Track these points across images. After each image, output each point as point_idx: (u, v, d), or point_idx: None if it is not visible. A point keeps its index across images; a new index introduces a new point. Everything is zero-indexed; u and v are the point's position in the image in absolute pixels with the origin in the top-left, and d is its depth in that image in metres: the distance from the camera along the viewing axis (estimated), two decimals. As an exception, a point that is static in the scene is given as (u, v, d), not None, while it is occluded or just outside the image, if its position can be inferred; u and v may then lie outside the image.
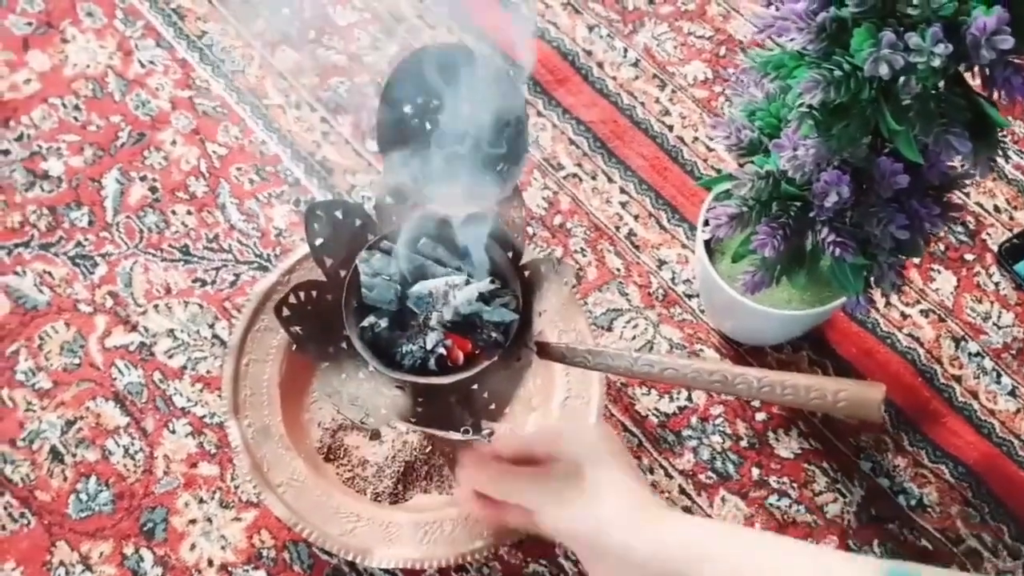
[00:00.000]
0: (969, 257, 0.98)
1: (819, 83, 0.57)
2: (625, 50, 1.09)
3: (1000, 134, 0.59)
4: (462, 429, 0.66)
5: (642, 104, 1.06)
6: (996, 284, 0.97)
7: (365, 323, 0.67)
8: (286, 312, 0.66)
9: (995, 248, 0.98)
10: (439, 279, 0.68)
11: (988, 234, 1.00)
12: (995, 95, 0.57)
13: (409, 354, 0.67)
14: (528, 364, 0.68)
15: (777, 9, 0.60)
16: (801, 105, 0.59)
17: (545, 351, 0.68)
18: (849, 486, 0.86)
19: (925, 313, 0.94)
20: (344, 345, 0.67)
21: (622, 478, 0.64)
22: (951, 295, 0.96)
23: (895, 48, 0.54)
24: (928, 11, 0.54)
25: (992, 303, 0.96)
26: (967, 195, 1.02)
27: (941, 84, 0.59)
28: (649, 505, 0.63)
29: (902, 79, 0.57)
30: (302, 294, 0.68)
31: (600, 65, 1.08)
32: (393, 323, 0.67)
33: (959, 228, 1.00)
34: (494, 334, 0.67)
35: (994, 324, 0.94)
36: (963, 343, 0.93)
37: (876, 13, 0.55)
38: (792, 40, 0.58)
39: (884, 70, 0.54)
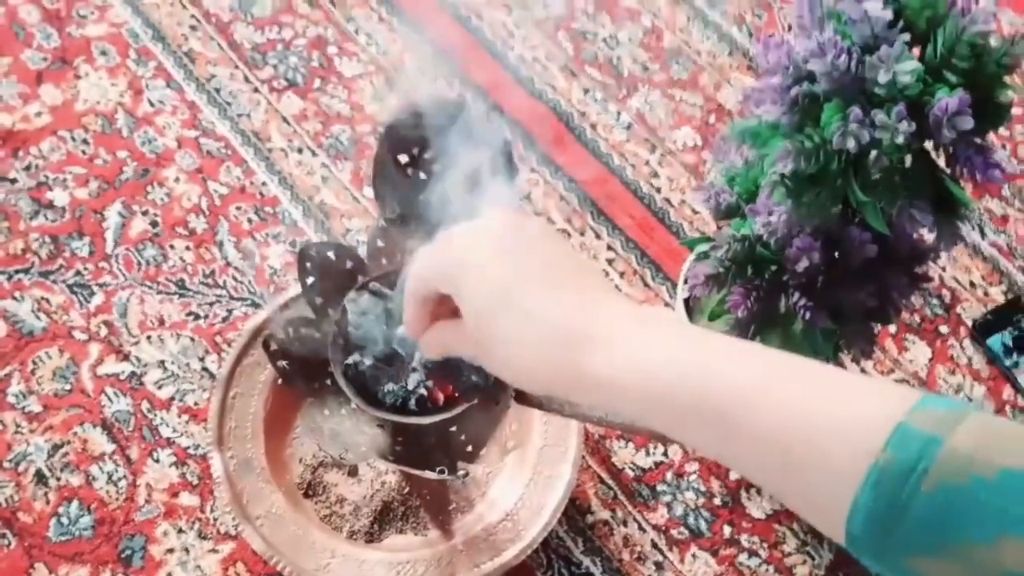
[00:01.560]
0: (944, 329, 1.01)
1: (791, 153, 0.60)
2: (618, 113, 1.13)
3: (964, 212, 0.62)
4: (437, 469, 0.68)
5: (632, 166, 1.09)
6: (969, 358, 1.00)
7: (349, 361, 0.69)
8: (273, 346, 0.69)
9: (969, 322, 1.01)
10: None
11: (963, 308, 1.03)
12: (959, 173, 0.61)
13: (391, 393, 0.69)
14: (506, 408, 0.70)
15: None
16: (774, 173, 0.62)
17: (523, 397, 0.70)
18: (819, 549, 0.88)
19: (899, 383, 0.96)
20: (328, 382, 0.69)
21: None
22: (925, 366, 0.98)
23: (862, 124, 0.57)
24: (894, 91, 0.57)
25: (965, 376, 0.98)
26: (943, 269, 1.05)
27: (909, 160, 0.62)
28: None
29: (872, 153, 0.60)
30: (291, 330, 0.70)
31: (593, 127, 1.12)
32: (377, 363, 0.69)
33: (935, 301, 1.03)
34: (474, 377, 0.69)
35: (966, 396, 0.96)
36: (935, 412, 0.95)
37: (846, 90, 0.59)
38: (767, 111, 0.62)
39: (851, 144, 0.58)
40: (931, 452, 0.36)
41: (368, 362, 0.69)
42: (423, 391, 0.69)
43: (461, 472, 0.68)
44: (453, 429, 0.71)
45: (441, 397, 0.70)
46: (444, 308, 0.53)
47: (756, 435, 0.41)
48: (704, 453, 0.45)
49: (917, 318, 1.01)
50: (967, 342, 1.00)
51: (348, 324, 0.69)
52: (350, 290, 0.70)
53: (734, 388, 0.42)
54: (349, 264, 0.73)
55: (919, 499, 0.36)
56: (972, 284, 1.04)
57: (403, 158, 0.70)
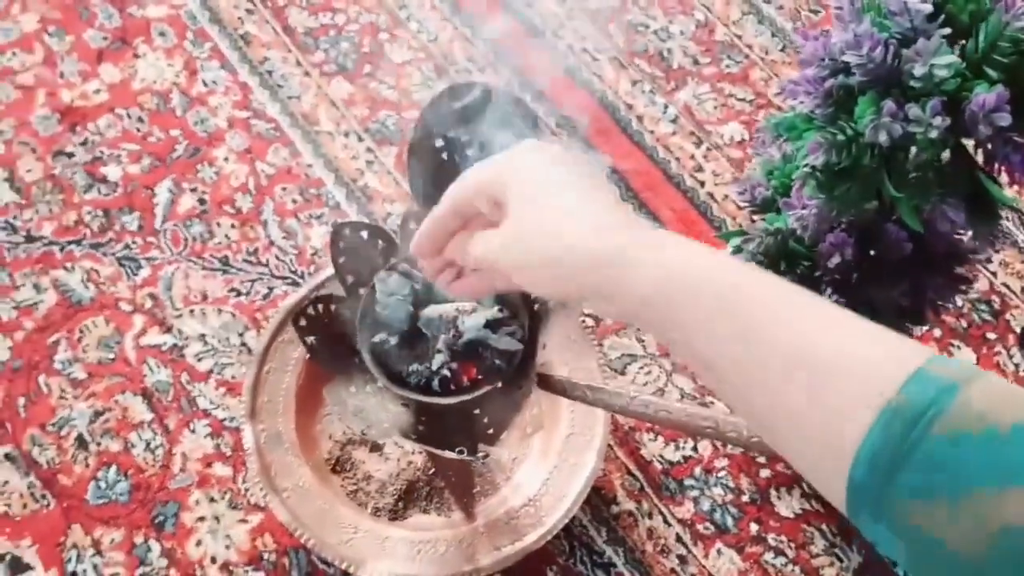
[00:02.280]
0: (991, 336, 0.98)
1: (822, 145, 0.59)
2: (666, 106, 1.12)
3: (1001, 210, 0.61)
4: (457, 449, 0.68)
5: (677, 159, 1.08)
6: (1016, 365, 0.97)
7: (376, 339, 0.70)
8: (303, 322, 0.70)
9: (1018, 330, 0.98)
10: (450, 304, 0.71)
11: (1012, 315, 1.00)
12: (997, 171, 0.59)
13: (415, 373, 0.70)
14: (528, 393, 0.70)
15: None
16: (806, 165, 0.61)
17: (546, 382, 0.71)
18: (847, 551, 0.86)
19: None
20: (355, 359, 0.70)
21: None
22: (969, 371, 0.96)
23: (895, 117, 0.56)
24: (930, 85, 0.56)
25: (1011, 383, 0.95)
26: (994, 275, 1.02)
27: (946, 156, 0.61)
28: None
29: (912, 150, 0.59)
30: (320, 307, 0.72)
31: (640, 119, 1.11)
32: (403, 342, 0.70)
33: (983, 306, 1.00)
34: (498, 361, 0.70)
35: (1010, 404, 0.94)
36: (976, 420, 0.92)
37: (881, 83, 0.58)
38: (801, 103, 0.61)
39: (883, 137, 0.57)
40: (946, 399, 0.35)
41: (394, 341, 0.70)
42: (447, 372, 0.69)
43: (481, 454, 0.69)
44: (476, 411, 0.72)
45: (465, 379, 0.70)
46: (474, 224, 0.53)
47: (775, 350, 0.40)
48: (709, 367, 0.43)
49: (964, 323, 0.99)
50: (1015, 350, 0.98)
51: (376, 303, 0.70)
52: (380, 270, 0.71)
53: (767, 300, 0.41)
54: (381, 245, 0.74)
55: (928, 441, 0.35)
56: (1024, 291, 1.02)
57: (438, 142, 0.71)
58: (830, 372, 0.39)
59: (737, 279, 0.42)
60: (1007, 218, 1.07)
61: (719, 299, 0.42)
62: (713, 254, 0.44)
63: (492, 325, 0.70)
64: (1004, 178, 0.62)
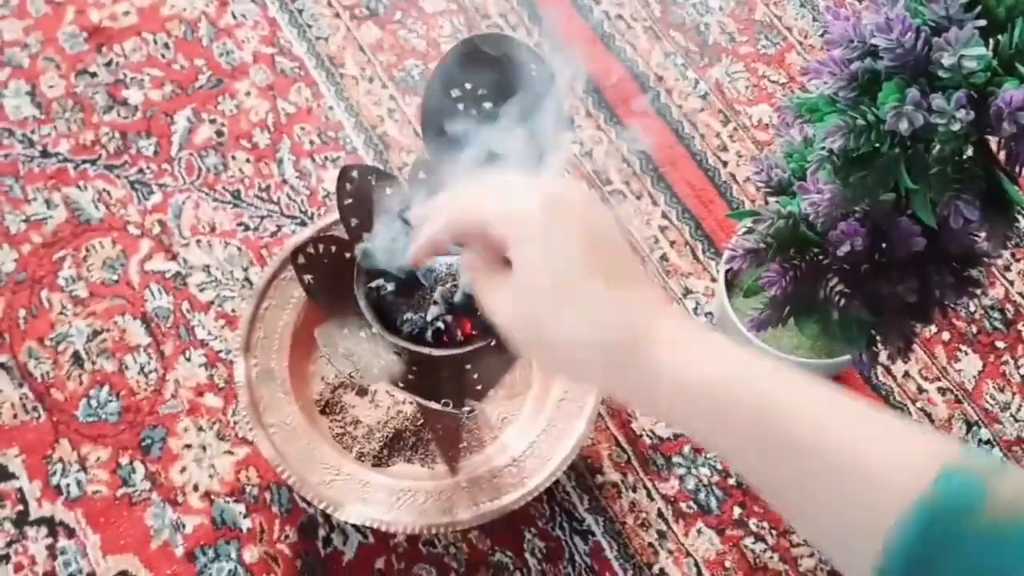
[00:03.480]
0: (1000, 344, 0.97)
1: (841, 129, 0.58)
2: (697, 81, 1.11)
3: (1017, 213, 0.59)
4: (443, 401, 0.68)
5: (702, 136, 1.07)
6: (1022, 376, 0.95)
7: (373, 284, 0.69)
8: (301, 260, 0.70)
9: (1029, 341, 0.97)
10: (451, 257, 0.70)
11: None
12: (1017, 172, 0.58)
13: (410, 322, 0.69)
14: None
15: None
16: (823, 148, 0.60)
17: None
18: (828, 545, 0.86)
19: (943, 391, 0.93)
20: (351, 303, 0.70)
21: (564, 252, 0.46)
22: (973, 378, 0.95)
23: (919, 107, 0.55)
24: (958, 76, 0.55)
25: (1014, 394, 0.94)
26: (1011, 283, 1.00)
27: (969, 152, 0.60)
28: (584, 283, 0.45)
29: (932, 141, 0.57)
30: (321, 247, 0.71)
31: (669, 92, 1.10)
32: (400, 290, 0.70)
33: (996, 314, 0.98)
34: (494, 318, 0.69)
35: (1011, 416, 0.93)
36: (975, 428, 0.91)
37: (908, 70, 0.56)
38: (825, 84, 0.59)
39: (904, 126, 0.55)
40: (978, 494, 0.35)
41: (391, 288, 0.69)
42: (441, 325, 0.69)
43: (467, 408, 0.68)
44: (468, 366, 0.71)
45: (458, 333, 0.70)
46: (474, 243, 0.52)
47: (806, 454, 0.40)
48: (740, 466, 0.43)
49: (974, 329, 0.97)
50: (1023, 361, 0.96)
51: (377, 248, 0.70)
52: (385, 216, 0.71)
53: (793, 404, 0.41)
54: (389, 191, 0.73)
55: (967, 539, 0.35)
56: (1039, 303, 1.00)
57: (455, 92, 0.70)
58: (858, 479, 0.38)
59: (753, 383, 0.42)
60: (1031, 228, 1.05)
61: (741, 413, 0.41)
62: (720, 352, 0.43)
63: (491, 281, 0.69)
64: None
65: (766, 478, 0.42)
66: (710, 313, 0.96)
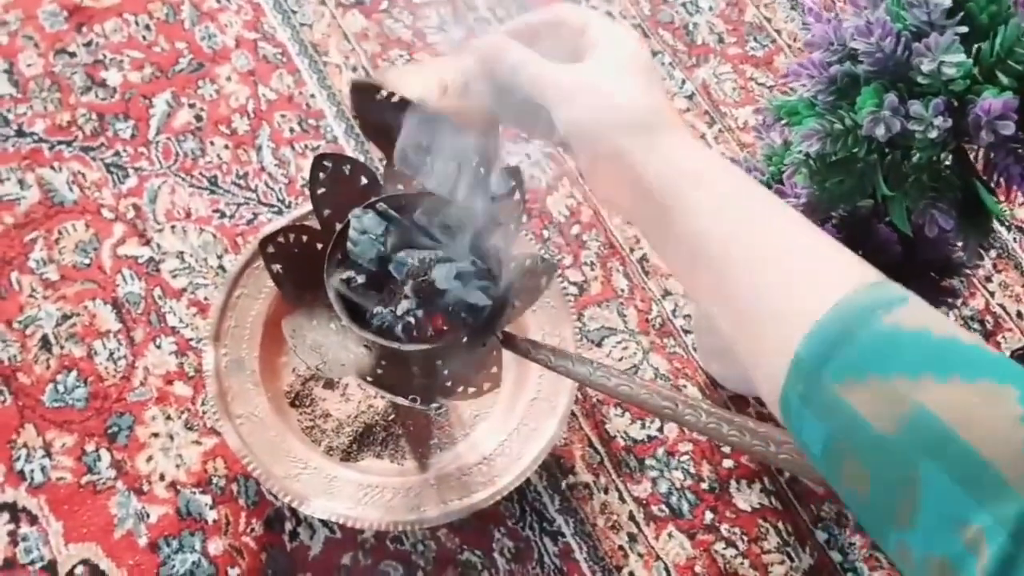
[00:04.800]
0: (979, 355, 0.96)
1: (819, 133, 0.57)
2: (683, 81, 1.10)
3: (992, 223, 0.59)
4: (411, 397, 0.67)
5: (687, 136, 1.06)
6: (999, 388, 0.95)
7: (344, 276, 0.68)
8: (271, 248, 0.69)
9: (1007, 353, 0.96)
10: (424, 251, 0.69)
11: (1004, 338, 0.98)
12: (994, 181, 0.57)
13: (379, 315, 0.68)
14: (492, 350, 0.69)
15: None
16: (799, 152, 0.59)
17: (510, 342, 0.69)
18: (799, 552, 0.85)
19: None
20: (320, 294, 0.69)
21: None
22: (950, 388, 0.94)
23: (896, 112, 0.54)
24: (937, 83, 0.54)
25: (990, 405, 0.94)
26: (992, 295, 1.00)
27: (948, 160, 0.59)
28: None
29: (906, 146, 0.57)
30: (292, 236, 0.70)
31: (655, 90, 1.09)
32: (371, 283, 0.69)
33: (976, 325, 0.98)
34: (464, 314, 0.68)
35: (987, 426, 0.92)
36: (950, 438, 0.91)
37: (887, 75, 0.56)
38: (804, 87, 0.59)
39: (881, 131, 0.54)
40: (897, 304, 0.40)
41: (361, 280, 0.68)
42: (411, 319, 0.68)
43: (435, 405, 0.67)
44: (438, 362, 0.70)
45: (429, 328, 0.69)
46: None
47: (767, 240, 0.45)
48: (697, 249, 0.48)
49: (952, 339, 0.97)
50: (1000, 372, 0.95)
51: (348, 239, 0.69)
52: (357, 207, 0.70)
53: (765, 200, 0.47)
54: (363, 181, 0.72)
55: (872, 329, 0.40)
56: (1020, 315, 0.99)
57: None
58: (807, 266, 0.44)
59: (743, 181, 0.48)
60: (1015, 239, 1.04)
61: (732, 191, 0.47)
62: (728, 162, 0.50)
63: (463, 277, 0.68)
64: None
65: (725, 263, 0.47)
66: (688, 315, 0.95)
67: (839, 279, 0.43)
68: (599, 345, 0.93)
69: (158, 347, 0.88)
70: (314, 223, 0.73)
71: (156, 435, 0.84)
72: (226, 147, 0.98)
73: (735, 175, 0.49)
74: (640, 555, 0.84)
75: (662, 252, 0.54)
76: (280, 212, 0.95)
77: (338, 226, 0.70)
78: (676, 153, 0.49)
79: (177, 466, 0.83)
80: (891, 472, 0.39)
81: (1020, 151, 0.55)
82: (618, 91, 0.51)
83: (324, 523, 0.82)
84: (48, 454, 0.82)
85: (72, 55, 1.02)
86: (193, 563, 0.79)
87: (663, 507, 0.86)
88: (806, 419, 0.42)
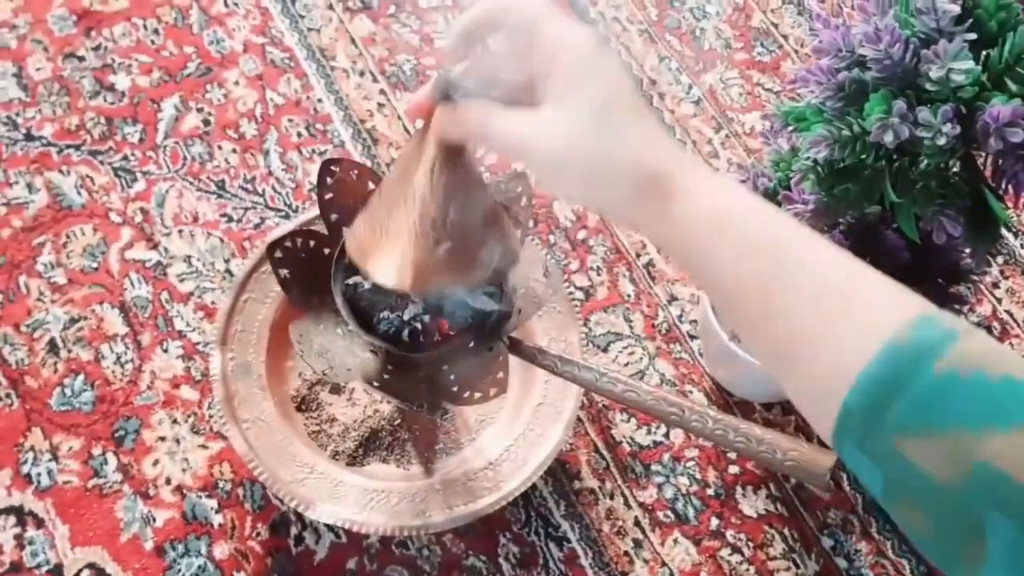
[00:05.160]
0: (986, 362, 0.96)
1: (827, 139, 0.57)
2: (690, 87, 1.10)
3: (1000, 230, 0.58)
4: (417, 403, 0.67)
5: (693, 142, 1.06)
6: (1007, 395, 0.95)
7: (350, 281, 0.68)
8: (278, 254, 0.69)
9: (1014, 359, 0.96)
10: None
11: (1011, 344, 0.97)
12: (1002, 188, 0.57)
13: (386, 320, 0.68)
14: (498, 356, 0.69)
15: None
16: (807, 158, 0.59)
17: (517, 347, 0.69)
18: (805, 558, 0.85)
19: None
20: (327, 299, 0.69)
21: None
22: (957, 395, 0.94)
23: (905, 119, 0.54)
24: (946, 90, 0.54)
25: (998, 412, 0.93)
26: (999, 301, 1.00)
27: (956, 167, 0.59)
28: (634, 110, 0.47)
29: (914, 153, 0.56)
30: (299, 240, 0.70)
31: (661, 96, 1.09)
32: (377, 288, 0.69)
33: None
34: (471, 320, 0.68)
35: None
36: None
37: (896, 82, 0.55)
38: (812, 93, 0.59)
39: (889, 138, 0.54)
40: (947, 343, 0.39)
41: (368, 285, 0.68)
42: (418, 324, 0.68)
43: (441, 411, 0.67)
44: (444, 368, 0.70)
45: (436, 334, 0.69)
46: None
47: (801, 283, 0.43)
48: (734, 296, 0.46)
49: (959, 346, 0.96)
50: (1008, 379, 0.95)
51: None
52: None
53: (797, 241, 0.44)
54: (371, 186, 0.72)
55: (926, 378, 0.38)
56: (1027, 321, 0.99)
57: None
58: (847, 305, 0.42)
59: (773, 221, 0.45)
60: (1022, 246, 1.04)
61: (757, 231, 0.45)
62: (746, 194, 0.47)
63: (470, 283, 0.68)
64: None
65: (763, 309, 0.44)
66: (694, 321, 0.95)
67: (884, 316, 0.41)
68: (605, 351, 0.93)
69: (165, 351, 0.88)
70: (321, 228, 0.73)
71: (163, 439, 0.84)
72: (234, 151, 0.99)
73: (756, 211, 0.46)
74: (646, 561, 0.84)
75: (696, 284, 0.52)
76: (287, 216, 0.95)
77: (344, 230, 0.71)
78: (691, 210, 0.45)
79: (183, 470, 0.83)
80: (955, 519, 0.38)
81: (1028, 158, 0.54)
82: (607, 150, 0.46)
83: (330, 528, 0.82)
84: (55, 457, 0.82)
85: (81, 59, 1.02)
86: (199, 567, 0.79)
87: (669, 513, 0.86)
88: (863, 462, 0.41)
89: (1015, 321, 0.99)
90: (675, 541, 0.85)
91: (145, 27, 1.05)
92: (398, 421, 0.83)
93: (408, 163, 0.54)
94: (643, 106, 0.48)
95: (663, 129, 0.48)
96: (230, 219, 0.95)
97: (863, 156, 0.56)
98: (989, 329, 0.98)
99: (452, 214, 0.53)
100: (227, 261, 0.93)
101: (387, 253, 0.55)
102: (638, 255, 0.98)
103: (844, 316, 0.42)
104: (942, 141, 0.53)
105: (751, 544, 0.85)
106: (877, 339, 0.39)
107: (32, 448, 0.83)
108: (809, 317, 0.42)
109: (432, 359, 0.69)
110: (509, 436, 0.81)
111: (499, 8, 0.49)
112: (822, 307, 0.42)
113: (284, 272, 0.69)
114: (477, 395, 0.68)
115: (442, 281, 0.57)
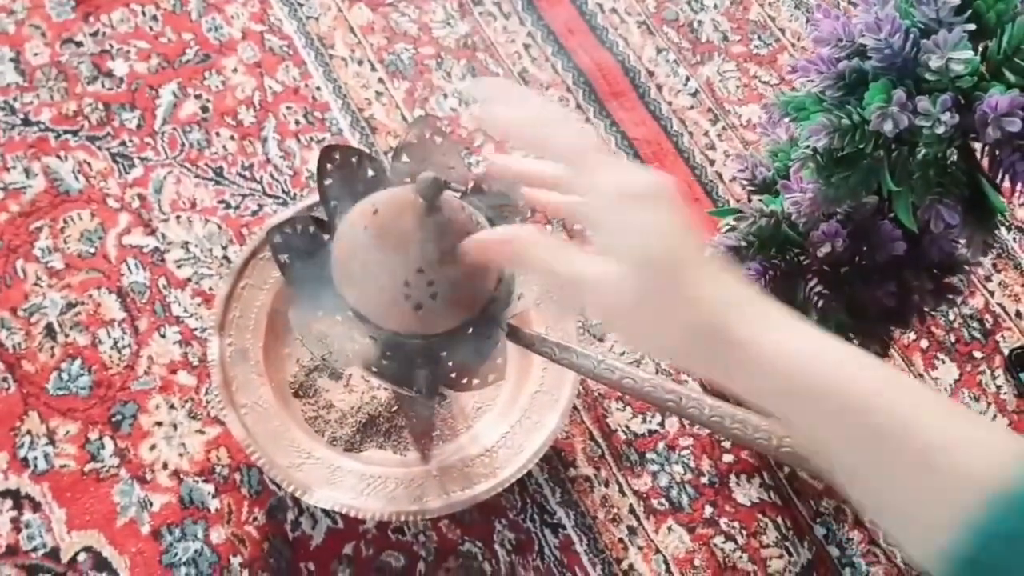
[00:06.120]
0: (978, 355, 0.97)
1: (826, 128, 0.57)
2: (687, 78, 1.10)
3: (996, 220, 0.59)
4: (415, 388, 0.67)
5: (690, 133, 1.06)
6: (998, 387, 0.95)
7: (350, 267, 0.68)
8: (278, 239, 0.69)
9: (1006, 352, 0.97)
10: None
11: (1003, 336, 0.98)
12: (999, 177, 0.57)
13: (385, 306, 0.68)
14: (497, 342, 0.69)
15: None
16: (806, 147, 0.60)
17: (516, 334, 0.69)
18: (798, 546, 0.86)
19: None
20: (327, 284, 0.69)
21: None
22: (950, 386, 0.95)
23: (904, 108, 0.55)
24: (945, 80, 0.54)
25: (990, 404, 0.94)
26: (991, 294, 1.00)
27: (953, 157, 0.59)
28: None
29: (912, 142, 0.57)
30: (299, 226, 0.70)
31: (659, 88, 1.09)
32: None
33: (974, 324, 0.98)
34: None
35: (986, 425, 0.92)
36: (950, 436, 0.91)
37: (895, 71, 0.56)
38: (812, 82, 0.59)
39: (889, 127, 0.55)
40: None
41: (367, 271, 0.68)
42: (417, 310, 0.68)
43: (439, 397, 0.68)
44: (443, 354, 0.71)
45: (435, 319, 0.69)
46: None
47: (891, 444, 0.40)
48: (818, 445, 0.44)
49: (952, 337, 0.97)
50: (999, 371, 0.96)
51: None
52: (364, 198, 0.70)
53: (875, 382, 0.42)
54: (371, 173, 0.72)
55: None
56: (1019, 314, 1.00)
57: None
58: (943, 459, 0.39)
59: (847, 365, 0.43)
60: (1015, 239, 1.05)
61: (834, 390, 0.42)
62: (822, 342, 0.44)
63: (469, 269, 0.69)
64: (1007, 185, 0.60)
65: (844, 458, 0.43)
66: (691, 311, 0.95)
67: (986, 464, 0.38)
68: (602, 340, 0.93)
69: (162, 336, 0.88)
70: (320, 214, 0.73)
71: (160, 424, 0.84)
72: (232, 138, 0.99)
73: (832, 361, 0.43)
74: (640, 548, 0.84)
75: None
76: (285, 204, 0.96)
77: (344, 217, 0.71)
78: (755, 362, 0.44)
79: (180, 455, 0.83)
80: None
81: (1025, 148, 0.55)
82: (664, 307, 0.45)
83: (326, 513, 0.82)
84: (52, 442, 0.82)
85: (79, 44, 1.02)
86: (195, 551, 0.80)
87: (663, 501, 0.87)
88: None
89: (1007, 314, 0.99)
90: (669, 529, 0.85)
91: (143, 13, 1.05)
92: (395, 407, 0.83)
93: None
94: (704, 253, 0.47)
95: (728, 274, 0.46)
96: (228, 206, 0.95)
97: (862, 145, 0.57)
98: (981, 322, 0.98)
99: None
100: (224, 248, 0.93)
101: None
102: (635, 245, 0.98)
103: (938, 477, 0.39)
104: (941, 130, 0.53)
105: (744, 532, 0.86)
106: (976, 496, 0.37)
107: (29, 432, 0.83)
108: (909, 478, 0.40)
109: (430, 345, 0.69)
110: (506, 423, 0.81)
111: (548, 135, 0.50)
112: (911, 471, 0.40)
113: (284, 257, 0.69)
114: (476, 381, 0.68)
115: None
